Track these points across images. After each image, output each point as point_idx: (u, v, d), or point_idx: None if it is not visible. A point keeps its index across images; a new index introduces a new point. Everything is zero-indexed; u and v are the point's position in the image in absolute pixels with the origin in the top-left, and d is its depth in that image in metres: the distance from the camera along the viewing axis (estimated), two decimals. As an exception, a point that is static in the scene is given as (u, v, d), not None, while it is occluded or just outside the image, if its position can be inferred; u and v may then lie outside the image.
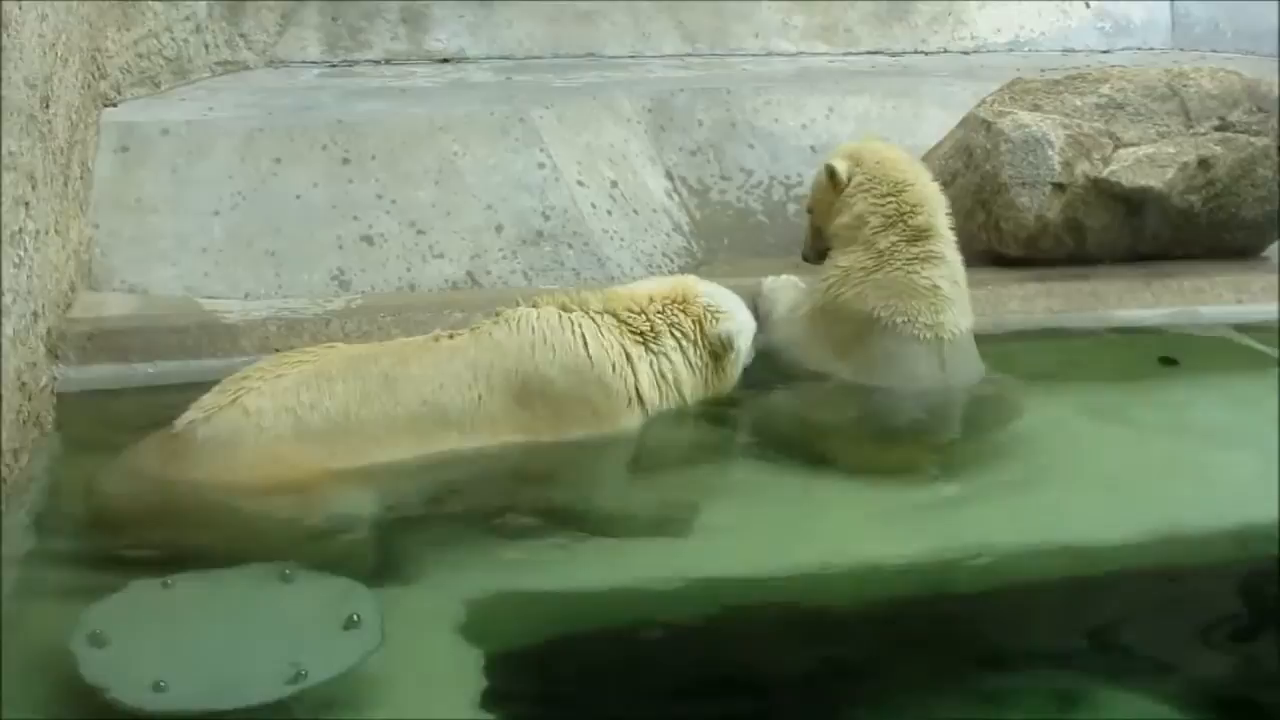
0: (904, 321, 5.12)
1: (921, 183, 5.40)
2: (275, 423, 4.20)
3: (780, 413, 5.16)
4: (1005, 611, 4.05)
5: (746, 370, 5.12)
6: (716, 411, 5.03)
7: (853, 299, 5.21)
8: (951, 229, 5.36)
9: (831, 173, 5.48)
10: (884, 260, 5.21)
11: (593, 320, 4.74)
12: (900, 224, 5.26)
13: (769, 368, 5.36)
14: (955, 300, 5.22)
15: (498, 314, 4.72)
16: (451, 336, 4.66)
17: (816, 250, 5.76)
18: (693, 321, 4.88)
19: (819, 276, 5.46)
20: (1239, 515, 4.40)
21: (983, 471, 4.79)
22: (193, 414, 4.22)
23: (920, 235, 5.24)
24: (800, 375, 5.33)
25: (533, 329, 4.63)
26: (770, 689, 3.63)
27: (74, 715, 3.19)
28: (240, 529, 4.01)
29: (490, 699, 3.34)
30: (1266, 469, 4.63)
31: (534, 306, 4.71)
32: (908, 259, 5.20)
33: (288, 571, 3.62)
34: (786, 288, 5.73)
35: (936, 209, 5.34)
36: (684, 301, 4.91)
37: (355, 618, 3.41)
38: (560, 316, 4.69)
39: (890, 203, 5.31)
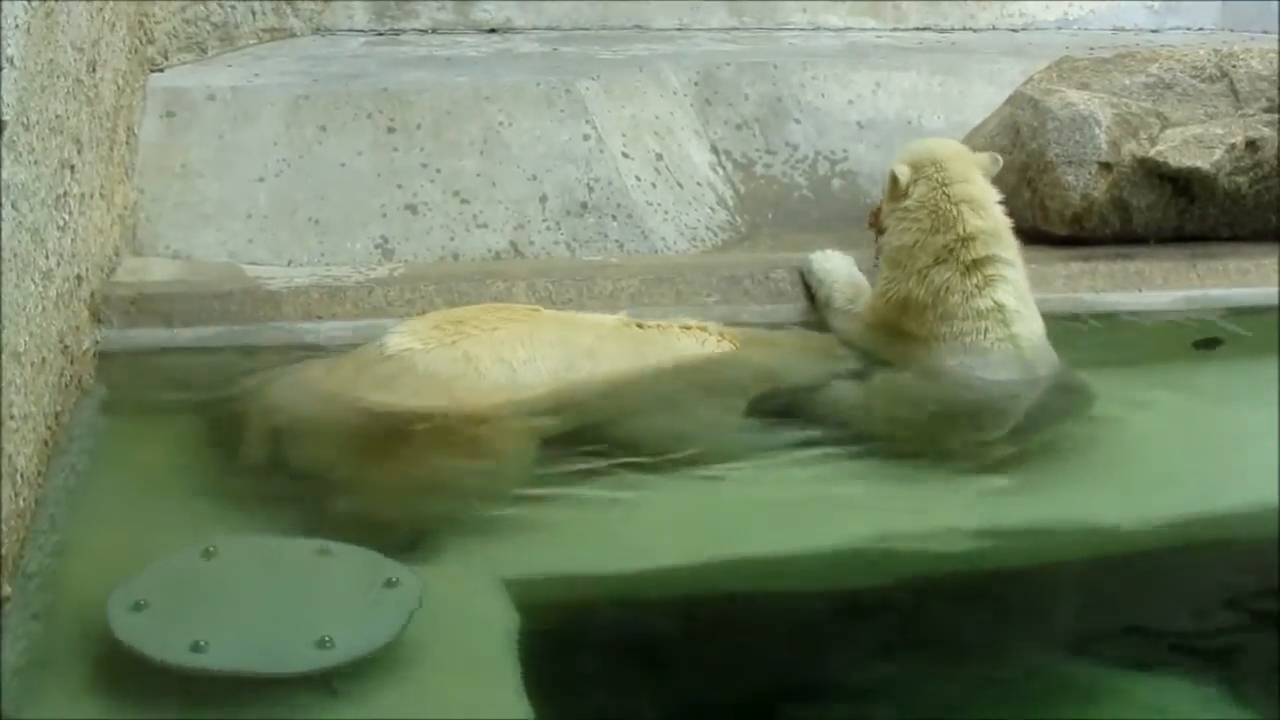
0: (972, 339, 5.00)
1: (982, 217, 5.13)
2: (492, 371, 4.52)
3: (845, 395, 5.09)
4: (1066, 592, 4.14)
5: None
6: (787, 392, 5.01)
7: (914, 327, 5.09)
8: (1013, 232, 5.20)
9: (894, 178, 5.24)
10: (940, 296, 5.04)
11: None
12: (952, 260, 5.06)
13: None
14: (1023, 313, 5.08)
15: (687, 326, 5.05)
16: (641, 326, 4.97)
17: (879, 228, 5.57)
18: None
19: (876, 292, 5.29)
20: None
21: (1042, 458, 4.76)
22: (409, 341, 4.51)
23: (976, 266, 5.05)
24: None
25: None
26: (816, 670, 3.64)
27: (110, 675, 3.21)
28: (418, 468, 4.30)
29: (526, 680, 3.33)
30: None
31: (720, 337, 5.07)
32: (965, 292, 5.03)
33: (327, 545, 3.64)
34: (838, 268, 5.64)
35: (994, 240, 5.12)
36: None
37: (393, 580, 3.44)
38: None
39: (939, 239, 5.09)
